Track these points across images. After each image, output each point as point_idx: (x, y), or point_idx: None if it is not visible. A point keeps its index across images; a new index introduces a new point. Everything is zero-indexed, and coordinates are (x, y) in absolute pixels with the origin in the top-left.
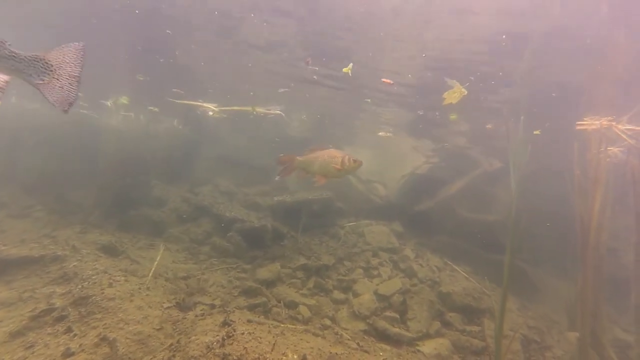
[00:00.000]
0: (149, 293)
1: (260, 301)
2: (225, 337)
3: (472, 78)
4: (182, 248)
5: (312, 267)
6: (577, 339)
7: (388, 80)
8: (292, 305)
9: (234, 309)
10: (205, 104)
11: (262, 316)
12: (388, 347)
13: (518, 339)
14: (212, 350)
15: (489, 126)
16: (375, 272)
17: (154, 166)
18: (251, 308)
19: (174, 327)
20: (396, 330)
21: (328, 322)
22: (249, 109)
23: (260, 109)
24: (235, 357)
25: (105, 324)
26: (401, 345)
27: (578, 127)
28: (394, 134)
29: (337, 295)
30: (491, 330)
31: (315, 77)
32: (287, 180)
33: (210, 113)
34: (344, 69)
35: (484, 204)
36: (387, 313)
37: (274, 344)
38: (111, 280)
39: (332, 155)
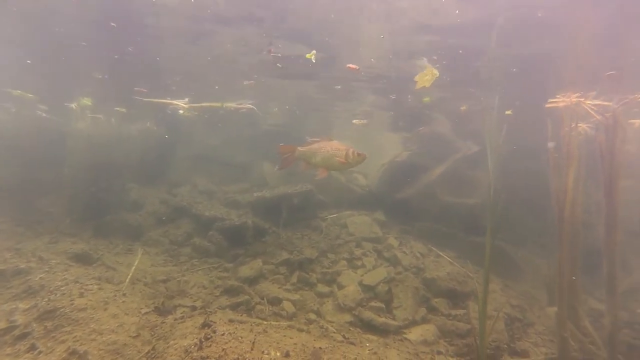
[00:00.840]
0: (126, 299)
1: (242, 299)
2: (204, 340)
3: (444, 62)
4: (162, 251)
5: (294, 262)
6: (555, 313)
7: (353, 66)
8: (275, 301)
9: (216, 309)
10: (174, 102)
11: (245, 315)
12: (375, 337)
13: (502, 318)
14: (190, 354)
15: (463, 108)
16: (359, 263)
17: (129, 169)
18: (234, 307)
19: (152, 332)
20: (382, 319)
21: (313, 316)
22: (219, 104)
23: (231, 104)
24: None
25: (76, 336)
26: (388, 335)
27: (548, 106)
28: (371, 122)
29: (322, 288)
30: (476, 312)
31: (279, 65)
32: (267, 175)
33: (181, 111)
34: (307, 55)
35: (465, 188)
36: (373, 303)
37: (253, 343)
38: (82, 290)
39: (335, 148)
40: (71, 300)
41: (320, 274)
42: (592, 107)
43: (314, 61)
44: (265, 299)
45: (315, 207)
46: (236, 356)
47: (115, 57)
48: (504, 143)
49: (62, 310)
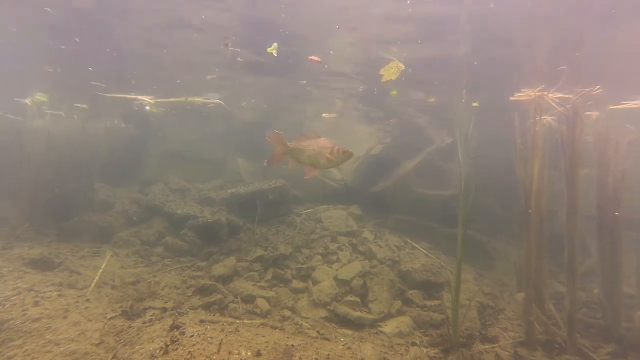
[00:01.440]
0: (90, 305)
1: (215, 299)
2: (170, 343)
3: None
4: (132, 252)
5: (269, 258)
6: (523, 297)
7: (315, 58)
8: (249, 299)
9: (188, 310)
10: (140, 97)
11: (218, 314)
12: (350, 332)
13: (474, 307)
14: (155, 359)
15: (431, 99)
16: (335, 257)
17: (97, 168)
18: (206, 307)
19: (118, 338)
20: (357, 314)
21: (288, 312)
22: (184, 99)
23: (198, 99)
24: None
25: (27, 350)
26: (363, 328)
27: (512, 99)
28: (345, 114)
29: (297, 284)
30: (450, 302)
31: (239, 59)
32: (241, 171)
33: (147, 107)
34: (269, 49)
35: (439, 180)
36: (348, 297)
37: (219, 344)
38: (38, 298)
39: (322, 146)
40: (23, 311)
41: (295, 269)
42: (555, 100)
43: (275, 55)
44: (239, 297)
45: (290, 203)
46: (203, 358)
47: (62, 47)
48: (473, 134)
49: (11, 322)
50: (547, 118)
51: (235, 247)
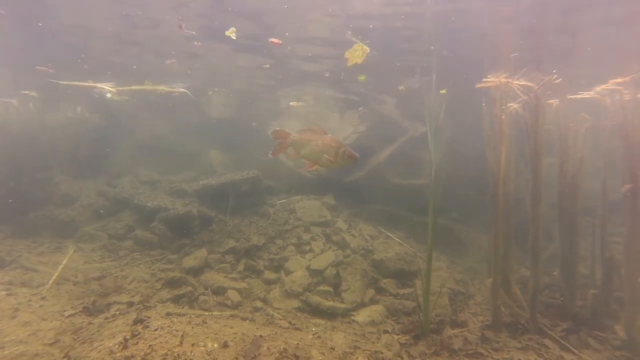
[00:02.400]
0: (45, 303)
1: (185, 291)
2: (130, 337)
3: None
4: (99, 246)
5: (241, 249)
6: (491, 282)
7: (276, 40)
8: (220, 291)
9: (156, 303)
10: (99, 85)
11: (187, 307)
12: (322, 322)
13: (446, 293)
14: (113, 355)
15: (401, 87)
16: (308, 248)
17: (58, 161)
18: (175, 300)
19: (76, 336)
20: (330, 303)
21: (259, 304)
22: (146, 83)
23: (163, 87)
24: (139, 359)
25: None
26: (336, 318)
27: (478, 86)
28: (317, 103)
29: (269, 275)
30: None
31: (196, 43)
32: (214, 163)
33: (108, 95)
34: (227, 33)
35: (412, 169)
36: (321, 287)
37: (182, 336)
38: None
39: (327, 144)
40: None
41: (268, 260)
42: (519, 87)
43: (233, 38)
44: (209, 289)
45: (264, 193)
46: (165, 352)
47: None
48: (445, 122)
49: None
50: (514, 105)
51: (207, 238)
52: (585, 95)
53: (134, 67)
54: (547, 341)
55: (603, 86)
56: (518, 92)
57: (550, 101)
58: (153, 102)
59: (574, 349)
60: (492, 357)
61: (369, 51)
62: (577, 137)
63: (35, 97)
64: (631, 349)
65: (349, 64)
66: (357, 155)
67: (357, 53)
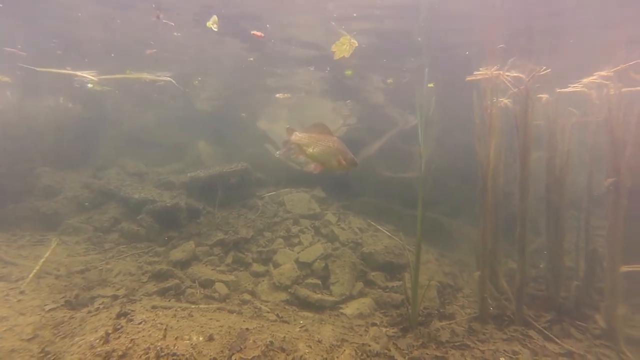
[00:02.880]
0: (24, 297)
1: (172, 284)
2: (112, 332)
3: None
4: (83, 239)
5: (230, 242)
6: (479, 275)
7: (258, 33)
8: (208, 284)
9: (141, 296)
10: (79, 73)
11: (174, 300)
12: (310, 314)
13: (434, 286)
14: (93, 350)
15: (389, 81)
16: (296, 240)
17: (40, 152)
18: (161, 293)
19: (56, 331)
20: (318, 296)
21: (247, 297)
22: (136, 75)
23: (147, 76)
24: (120, 353)
25: None
26: (324, 311)
27: (468, 79)
28: (307, 94)
29: (257, 267)
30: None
31: (176, 34)
32: (202, 155)
33: (90, 85)
34: (208, 24)
35: (403, 162)
36: (309, 280)
37: (165, 330)
38: None
39: (336, 148)
40: None
41: (257, 253)
42: (510, 80)
43: (215, 29)
44: (197, 282)
45: (253, 186)
46: (147, 346)
47: None
48: (435, 116)
49: None
50: (504, 100)
51: (195, 231)
52: (573, 88)
53: (112, 54)
54: (531, 332)
55: (590, 79)
56: (508, 84)
57: (539, 95)
58: (138, 92)
59: (556, 339)
60: (478, 349)
61: (357, 44)
62: (565, 131)
63: (8, 82)
64: (610, 338)
65: (336, 57)
66: (356, 162)
67: (345, 46)
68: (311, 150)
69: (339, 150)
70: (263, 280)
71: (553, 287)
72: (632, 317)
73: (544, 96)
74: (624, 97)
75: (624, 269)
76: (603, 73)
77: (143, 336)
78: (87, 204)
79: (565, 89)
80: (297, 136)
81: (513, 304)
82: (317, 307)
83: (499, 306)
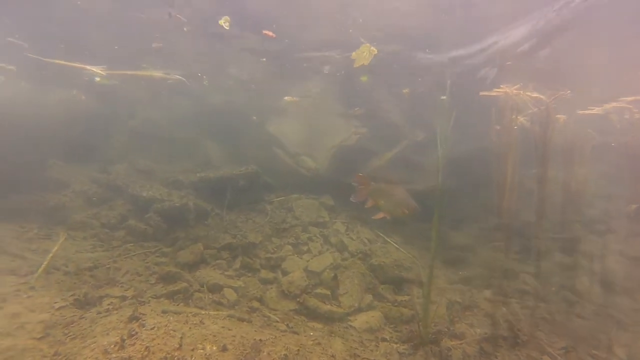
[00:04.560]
0: (34, 294)
1: (180, 287)
2: (127, 337)
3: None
4: (90, 235)
5: (238, 246)
6: (490, 294)
7: (269, 33)
8: (216, 288)
9: (150, 298)
10: (87, 67)
11: (182, 304)
12: (319, 326)
13: (444, 303)
14: (108, 355)
15: (405, 91)
16: (305, 248)
17: (51, 145)
18: (170, 296)
19: (66, 331)
20: (327, 307)
21: (256, 304)
22: (146, 73)
23: (157, 73)
24: None
25: None
26: (333, 322)
27: (481, 94)
28: (319, 99)
29: (266, 274)
30: (420, 297)
31: (185, 29)
32: (211, 155)
33: (97, 79)
34: (220, 22)
35: (412, 174)
36: (318, 290)
37: (181, 338)
38: None
39: (402, 198)
40: None
41: (265, 259)
42: (531, 99)
43: (227, 28)
44: (205, 286)
45: (261, 190)
46: (163, 355)
47: None
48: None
49: None
50: (521, 119)
51: (202, 233)
52: (594, 111)
53: (116, 47)
54: (545, 358)
55: (613, 104)
56: (529, 104)
57: (558, 115)
58: (148, 88)
59: None
60: None
61: (376, 52)
62: (584, 152)
63: (13, 70)
64: None
65: (356, 65)
66: (415, 205)
67: (365, 54)
68: (382, 203)
69: (405, 202)
70: (271, 288)
71: (566, 310)
72: None
73: (562, 117)
74: None
75: None
76: (629, 99)
77: (158, 344)
78: (94, 199)
79: (586, 112)
80: (373, 188)
81: (525, 326)
82: (326, 319)
83: (510, 327)
